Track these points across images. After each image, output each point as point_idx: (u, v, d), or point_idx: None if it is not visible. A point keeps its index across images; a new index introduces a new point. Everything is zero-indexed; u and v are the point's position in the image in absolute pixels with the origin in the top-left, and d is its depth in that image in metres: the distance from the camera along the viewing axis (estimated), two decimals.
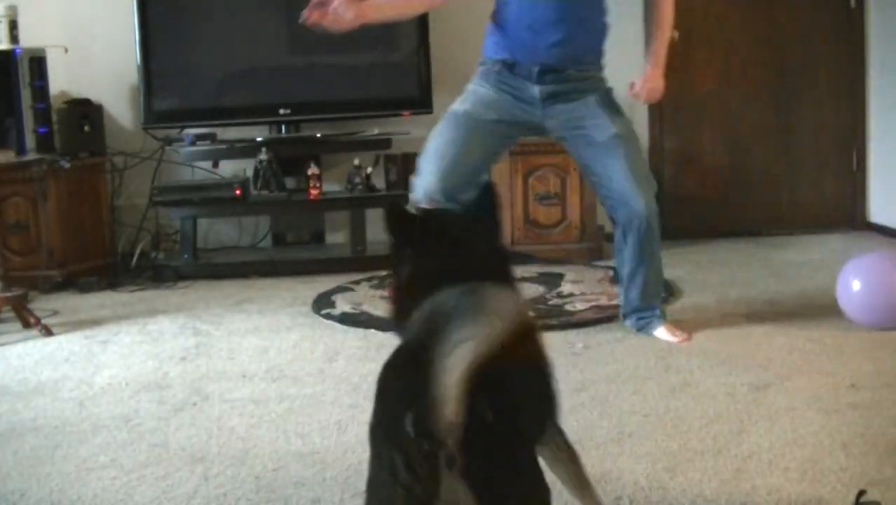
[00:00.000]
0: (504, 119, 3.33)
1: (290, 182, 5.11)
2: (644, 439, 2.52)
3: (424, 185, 3.23)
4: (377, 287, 4.43)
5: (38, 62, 4.58)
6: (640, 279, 3.45)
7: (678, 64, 5.33)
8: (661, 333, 3.45)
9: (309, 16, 2.99)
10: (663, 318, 3.52)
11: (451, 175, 3.21)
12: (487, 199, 1.93)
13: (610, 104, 3.35)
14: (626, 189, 3.31)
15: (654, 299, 3.52)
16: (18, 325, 3.91)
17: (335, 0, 2.98)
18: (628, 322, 3.55)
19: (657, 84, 3.41)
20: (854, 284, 3.48)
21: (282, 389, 3.07)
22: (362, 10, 3.06)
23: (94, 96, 5.05)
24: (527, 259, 4.78)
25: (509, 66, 3.31)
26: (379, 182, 5.10)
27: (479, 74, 3.41)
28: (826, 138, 5.51)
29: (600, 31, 3.36)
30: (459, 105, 3.36)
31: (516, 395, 1.57)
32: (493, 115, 3.32)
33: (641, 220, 3.32)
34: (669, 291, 4.01)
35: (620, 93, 3.44)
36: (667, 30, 3.42)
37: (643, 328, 3.49)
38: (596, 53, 3.37)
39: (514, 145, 3.69)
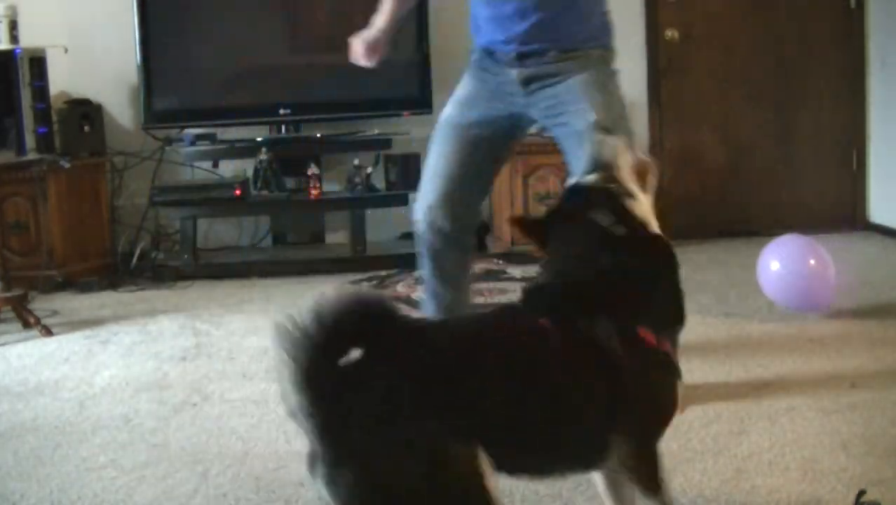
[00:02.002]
0: (488, 116, 2.94)
1: (290, 182, 5.10)
2: None
3: (424, 208, 2.91)
4: (377, 287, 4.43)
5: (38, 62, 4.58)
6: None
7: (678, 64, 5.38)
8: None
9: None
10: None
11: (450, 193, 2.89)
12: None
13: (599, 86, 2.83)
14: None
15: None
16: (18, 325, 3.91)
17: (357, 51, 3.05)
18: None
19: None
20: (773, 265, 3.65)
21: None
22: (373, 28, 3.03)
23: (94, 96, 5.06)
24: (526, 259, 4.78)
25: (489, 53, 2.95)
26: (379, 182, 5.10)
27: (468, 66, 3.08)
28: (826, 138, 5.51)
29: (591, 8, 2.90)
30: (447, 108, 3.05)
31: None
32: (474, 114, 2.94)
33: None
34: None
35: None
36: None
37: None
38: (586, 32, 2.88)
39: (515, 141, 3.18)
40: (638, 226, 1.84)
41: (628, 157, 1.92)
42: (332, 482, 1.52)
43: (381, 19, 3.05)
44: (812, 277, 3.66)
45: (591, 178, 1.89)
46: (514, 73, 2.86)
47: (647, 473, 1.78)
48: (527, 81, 2.87)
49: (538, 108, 2.88)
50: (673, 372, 1.81)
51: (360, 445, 1.53)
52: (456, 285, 2.93)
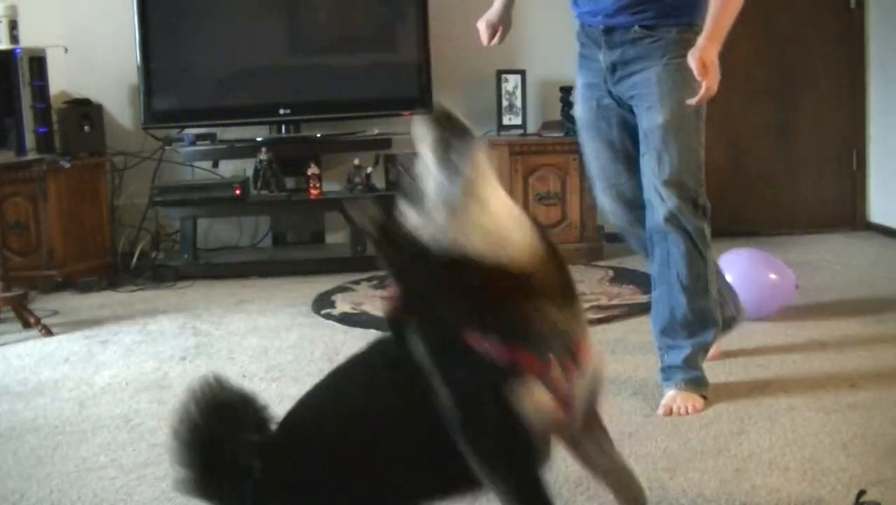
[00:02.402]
0: (601, 106, 2.84)
1: (290, 182, 5.11)
2: (644, 439, 2.52)
3: (606, 211, 3.00)
4: (377, 287, 4.43)
5: (38, 62, 4.58)
6: (661, 313, 2.83)
7: None
8: (671, 398, 2.74)
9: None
10: (692, 384, 2.75)
11: (614, 191, 2.87)
12: None
13: (673, 78, 2.68)
14: (650, 191, 2.74)
15: (677, 350, 2.79)
16: (18, 325, 3.91)
17: (483, 33, 3.03)
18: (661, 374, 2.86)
19: (707, 56, 2.58)
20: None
21: (282, 389, 3.07)
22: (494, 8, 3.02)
23: (94, 96, 5.05)
24: None
25: (583, 29, 2.85)
26: (379, 182, 5.10)
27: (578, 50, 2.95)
28: (826, 138, 5.50)
29: None
30: (575, 106, 3.00)
31: None
32: (590, 109, 2.87)
33: (660, 232, 2.73)
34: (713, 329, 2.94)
35: None
36: None
37: (661, 382, 2.83)
38: (663, 6, 2.71)
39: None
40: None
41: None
42: None
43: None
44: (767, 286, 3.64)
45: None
46: (601, 58, 2.79)
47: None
48: (612, 68, 2.78)
49: (624, 96, 2.80)
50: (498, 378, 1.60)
51: None
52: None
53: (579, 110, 2.93)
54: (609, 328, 3.62)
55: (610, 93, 2.82)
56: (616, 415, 2.70)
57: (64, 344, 3.72)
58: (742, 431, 2.54)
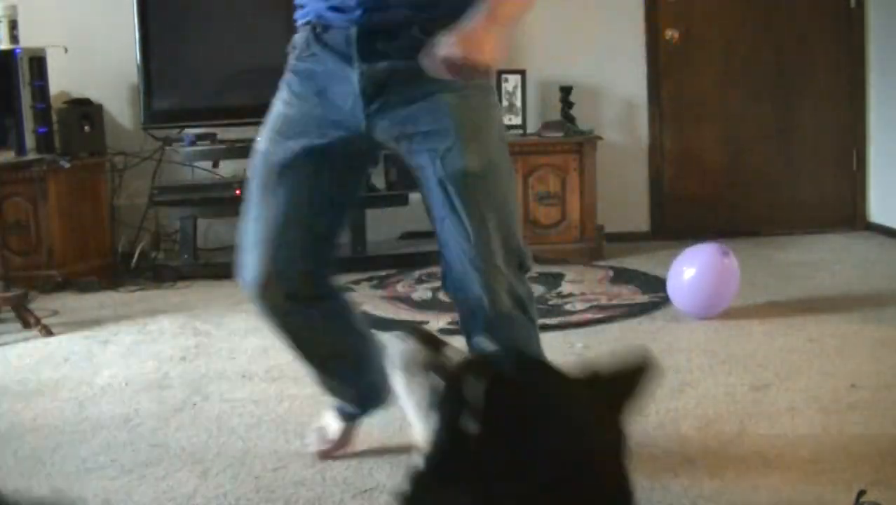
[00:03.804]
0: (315, 146, 2.09)
1: None
2: (644, 439, 2.52)
3: (251, 280, 2.20)
4: (377, 287, 4.43)
5: (38, 62, 4.58)
6: None
7: (678, 64, 5.37)
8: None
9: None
10: None
11: (286, 266, 2.17)
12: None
13: (476, 108, 2.03)
14: (462, 266, 2.06)
15: None
16: (18, 325, 3.90)
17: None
18: None
19: (474, 36, 1.78)
20: (686, 274, 3.66)
21: (282, 388, 3.07)
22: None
23: (94, 96, 5.05)
24: None
25: (317, 34, 2.09)
26: (379, 182, 5.09)
27: (286, 70, 2.20)
28: (826, 138, 5.51)
29: None
30: (260, 142, 2.18)
31: None
32: (295, 145, 2.09)
33: (484, 318, 2.07)
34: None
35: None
36: None
37: None
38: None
39: (359, 176, 2.34)
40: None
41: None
42: None
43: None
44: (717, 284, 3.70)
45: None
46: (354, 78, 2.02)
47: None
48: (374, 93, 2.01)
49: (386, 135, 2.07)
50: None
51: None
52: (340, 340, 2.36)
53: (271, 138, 2.14)
54: (609, 328, 3.62)
55: (347, 126, 2.06)
56: None
57: (64, 344, 3.72)
58: (742, 431, 2.54)
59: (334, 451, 2.46)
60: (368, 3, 1.99)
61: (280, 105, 2.16)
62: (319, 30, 2.10)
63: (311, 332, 2.33)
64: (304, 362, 2.41)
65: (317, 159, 2.10)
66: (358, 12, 2.00)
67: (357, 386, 2.42)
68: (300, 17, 2.18)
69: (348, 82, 2.04)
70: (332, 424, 2.49)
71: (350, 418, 2.47)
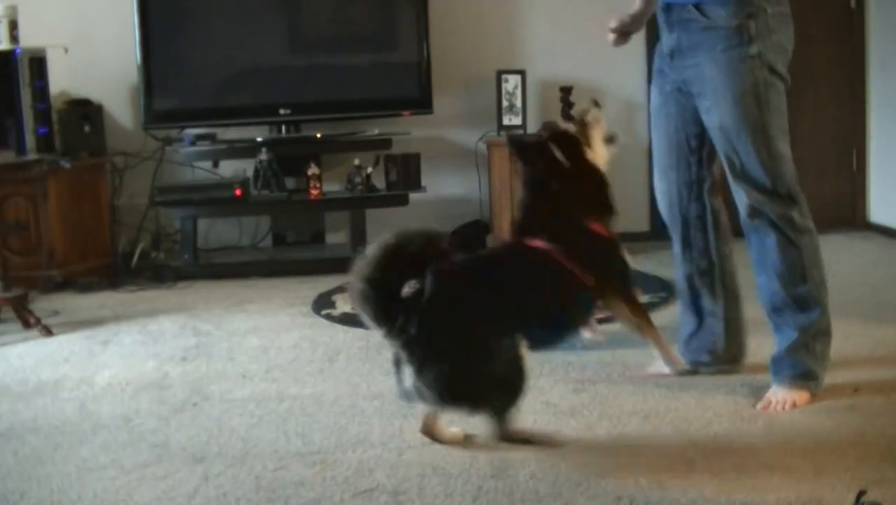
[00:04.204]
0: (662, 99, 2.90)
1: (290, 182, 5.11)
2: (644, 439, 2.52)
3: (657, 194, 3.02)
4: None
5: (38, 62, 4.58)
6: (764, 299, 2.83)
7: None
8: (772, 393, 2.72)
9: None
10: (797, 379, 2.71)
11: (664, 182, 2.95)
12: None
13: (725, 74, 2.62)
14: (732, 186, 2.78)
15: (783, 335, 2.76)
16: (18, 325, 3.91)
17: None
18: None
19: None
20: None
21: (282, 389, 3.07)
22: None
23: (94, 96, 5.06)
24: None
25: (659, 10, 2.82)
26: (379, 182, 5.10)
27: None
28: (826, 138, 5.50)
29: None
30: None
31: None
32: (657, 97, 2.92)
33: (748, 226, 2.84)
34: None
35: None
36: None
37: (771, 374, 2.78)
38: None
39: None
40: (581, 160, 2.73)
41: (601, 123, 2.81)
42: (421, 375, 2.33)
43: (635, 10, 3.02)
44: None
45: (568, 125, 2.82)
46: (664, 41, 2.79)
47: (631, 306, 2.79)
48: (671, 54, 2.76)
49: (684, 87, 2.78)
50: (617, 246, 2.73)
51: (441, 348, 2.34)
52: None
53: (652, 94, 2.96)
54: (608, 328, 3.61)
55: (674, 80, 2.80)
56: (616, 415, 2.70)
57: (64, 344, 3.72)
58: (742, 431, 2.54)
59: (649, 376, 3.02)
60: None
61: None
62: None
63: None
64: None
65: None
66: None
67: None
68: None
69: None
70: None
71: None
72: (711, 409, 2.71)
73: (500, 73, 5.16)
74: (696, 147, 2.85)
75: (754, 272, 2.81)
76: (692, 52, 2.67)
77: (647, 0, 2.94)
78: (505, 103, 5.19)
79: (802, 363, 2.71)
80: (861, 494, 2.07)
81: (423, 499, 2.20)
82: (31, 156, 4.53)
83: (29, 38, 4.66)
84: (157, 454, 2.55)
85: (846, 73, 5.44)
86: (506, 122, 5.20)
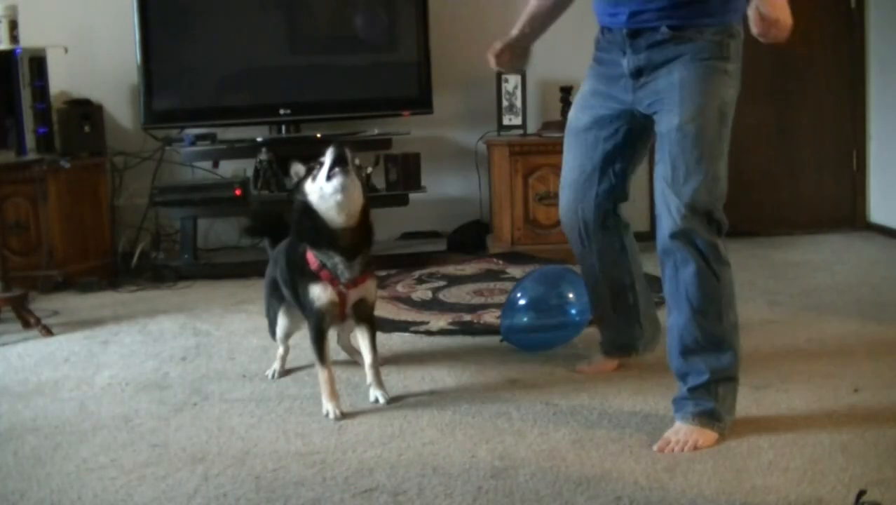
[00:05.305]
0: (599, 118, 2.79)
1: (290, 182, 5.10)
2: (644, 439, 2.52)
3: (563, 218, 3.07)
4: (377, 287, 4.42)
5: (38, 62, 4.58)
6: (672, 337, 2.58)
7: None
8: (672, 430, 2.51)
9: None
10: (701, 417, 2.48)
11: (584, 202, 2.93)
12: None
13: (699, 80, 2.56)
14: (659, 202, 2.59)
15: (694, 375, 2.53)
16: (18, 325, 3.91)
17: (493, 58, 2.97)
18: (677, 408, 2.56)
19: (773, 12, 2.33)
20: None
21: (282, 389, 3.07)
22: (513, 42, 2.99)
23: (94, 96, 5.06)
24: (526, 259, 4.78)
25: (604, 34, 2.72)
26: (379, 182, 5.10)
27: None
28: (826, 138, 5.51)
29: None
30: (570, 110, 2.97)
31: None
32: (586, 118, 2.83)
33: (667, 250, 2.56)
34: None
35: None
36: None
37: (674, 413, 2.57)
38: (702, 6, 2.53)
39: (640, 140, 2.91)
40: None
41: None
42: None
43: (521, 30, 3.03)
44: None
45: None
46: (625, 63, 2.63)
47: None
48: (637, 73, 2.62)
49: (643, 104, 2.66)
50: None
51: None
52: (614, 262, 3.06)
53: (573, 115, 2.89)
54: None
55: (622, 104, 2.70)
56: (616, 415, 2.70)
57: (64, 344, 3.72)
58: (742, 432, 2.54)
59: (590, 372, 3.08)
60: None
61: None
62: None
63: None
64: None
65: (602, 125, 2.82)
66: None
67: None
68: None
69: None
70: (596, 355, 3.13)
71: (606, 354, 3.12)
72: None
73: (500, 73, 5.16)
74: (608, 180, 2.91)
75: (667, 311, 2.59)
76: (667, 63, 2.57)
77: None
78: (505, 103, 5.19)
79: (707, 403, 2.50)
80: (861, 494, 2.07)
81: (423, 499, 2.20)
82: (31, 156, 4.53)
83: (29, 38, 4.66)
84: (157, 454, 2.55)
85: (846, 74, 5.45)
86: (506, 122, 5.20)
